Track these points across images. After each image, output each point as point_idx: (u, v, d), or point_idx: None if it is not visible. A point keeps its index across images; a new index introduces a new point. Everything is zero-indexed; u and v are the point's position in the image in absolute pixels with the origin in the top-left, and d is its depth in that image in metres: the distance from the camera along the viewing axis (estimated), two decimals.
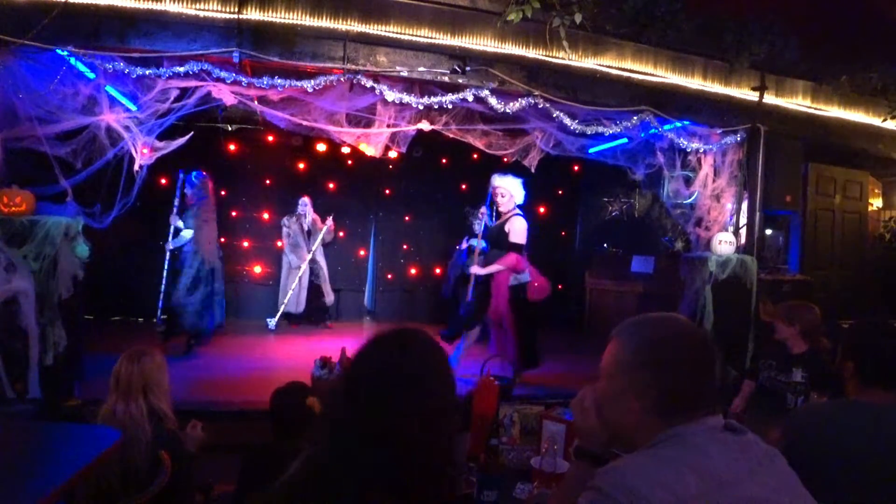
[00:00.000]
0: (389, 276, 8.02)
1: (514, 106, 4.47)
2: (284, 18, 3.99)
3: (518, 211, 5.00)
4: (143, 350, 2.47)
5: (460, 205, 7.64)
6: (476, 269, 4.92)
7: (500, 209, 5.01)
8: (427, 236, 8.13)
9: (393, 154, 5.50)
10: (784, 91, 5.33)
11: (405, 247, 8.13)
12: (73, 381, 3.94)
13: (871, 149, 5.89)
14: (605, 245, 8.42)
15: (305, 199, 7.06)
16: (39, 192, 3.91)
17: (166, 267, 5.83)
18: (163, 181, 6.62)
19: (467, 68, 4.34)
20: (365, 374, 1.13)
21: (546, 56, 4.49)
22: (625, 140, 5.36)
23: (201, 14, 3.85)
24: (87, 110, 3.97)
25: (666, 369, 1.12)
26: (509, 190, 4.96)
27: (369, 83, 4.18)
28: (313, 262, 7.04)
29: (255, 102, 4.48)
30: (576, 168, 8.14)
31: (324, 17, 4.05)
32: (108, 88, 4.07)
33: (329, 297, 7.25)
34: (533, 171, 5.57)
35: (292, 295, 6.91)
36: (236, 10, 3.89)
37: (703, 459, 1.01)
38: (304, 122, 4.65)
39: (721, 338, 4.72)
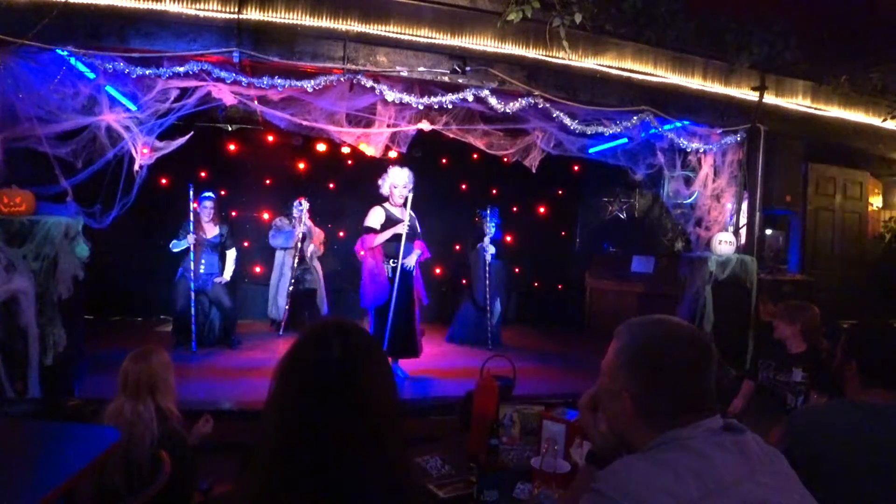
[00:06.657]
0: None
1: (514, 106, 4.47)
2: (284, 18, 3.99)
3: None
4: (150, 349, 2.48)
5: (460, 205, 7.64)
6: None
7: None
8: (427, 236, 8.10)
9: (393, 154, 5.50)
10: (784, 91, 5.32)
11: None
12: (73, 380, 3.94)
13: (871, 149, 5.89)
14: (606, 245, 8.42)
15: (299, 201, 6.55)
16: (39, 192, 3.90)
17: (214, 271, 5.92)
18: (163, 181, 6.62)
19: (467, 68, 4.33)
20: (286, 383, 0.96)
21: (546, 56, 4.49)
22: (625, 140, 5.36)
23: (201, 14, 3.85)
24: (87, 110, 3.96)
25: (660, 370, 1.12)
26: None
27: (369, 83, 4.18)
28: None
29: (255, 102, 4.48)
30: (576, 168, 8.12)
31: (324, 17, 4.05)
32: (108, 88, 4.06)
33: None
34: (534, 171, 5.57)
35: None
36: (236, 10, 3.89)
37: (702, 461, 1.01)
38: (304, 122, 4.65)
39: (721, 338, 4.72)
